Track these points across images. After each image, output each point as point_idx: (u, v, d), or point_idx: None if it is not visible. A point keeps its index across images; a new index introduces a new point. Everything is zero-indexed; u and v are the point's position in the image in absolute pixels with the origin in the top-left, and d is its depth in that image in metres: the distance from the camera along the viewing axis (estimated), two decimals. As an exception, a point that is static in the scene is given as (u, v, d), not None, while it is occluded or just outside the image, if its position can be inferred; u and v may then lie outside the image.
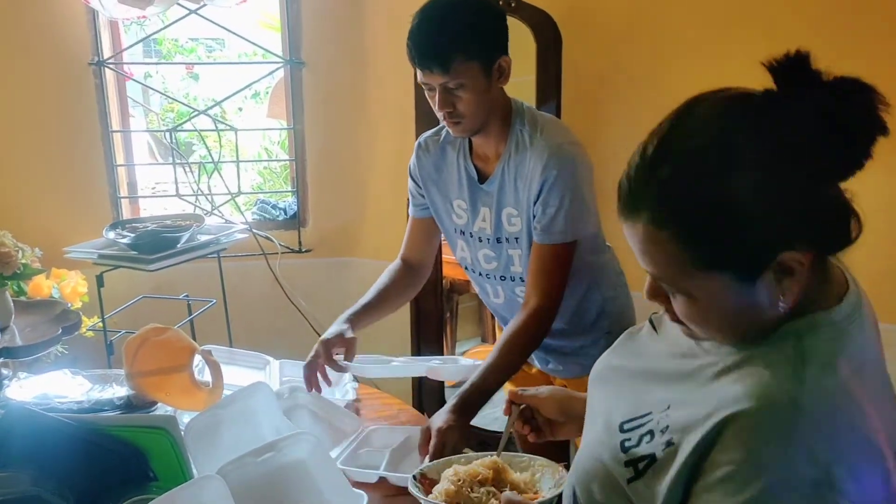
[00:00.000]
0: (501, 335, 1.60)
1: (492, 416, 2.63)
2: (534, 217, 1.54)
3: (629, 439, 0.85)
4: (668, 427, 0.81)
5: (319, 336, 1.96)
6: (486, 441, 2.37)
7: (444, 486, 1.13)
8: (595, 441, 0.92)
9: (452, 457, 1.25)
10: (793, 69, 0.74)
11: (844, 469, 0.70)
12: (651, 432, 0.83)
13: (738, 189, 0.72)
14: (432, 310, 2.72)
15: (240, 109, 5.05)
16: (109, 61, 2.77)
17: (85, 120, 2.75)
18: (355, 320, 1.70)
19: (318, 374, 1.61)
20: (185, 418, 1.42)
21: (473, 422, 1.51)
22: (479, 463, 1.17)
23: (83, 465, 1.27)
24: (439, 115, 1.55)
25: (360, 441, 1.55)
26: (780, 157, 0.72)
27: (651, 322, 0.99)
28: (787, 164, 0.72)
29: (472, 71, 1.48)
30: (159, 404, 1.53)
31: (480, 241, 1.68)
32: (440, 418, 1.41)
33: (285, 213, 3.02)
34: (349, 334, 1.64)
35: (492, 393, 1.50)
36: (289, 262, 2.87)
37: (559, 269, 1.56)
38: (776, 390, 0.74)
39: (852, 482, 0.70)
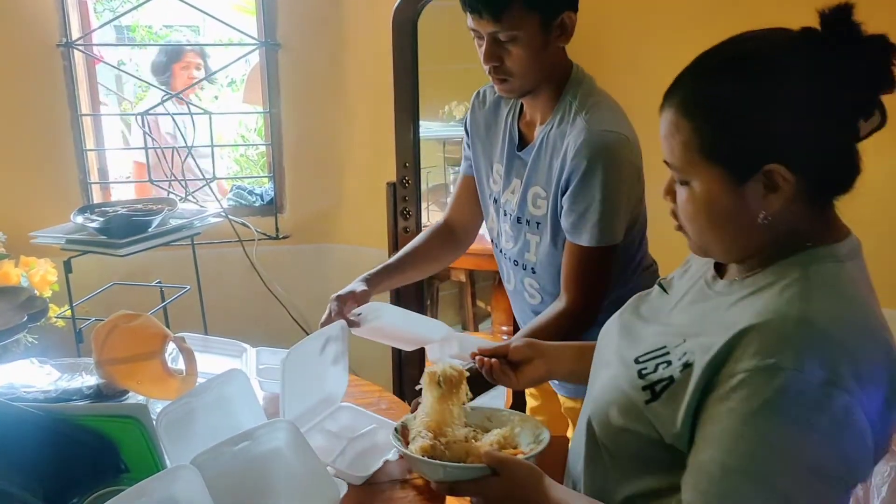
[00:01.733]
0: (528, 325, 1.48)
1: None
2: (562, 208, 1.41)
3: (645, 368, 0.91)
4: (685, 353, 0.87)
5: (297, 323, 1.94)
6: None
7: (418, 442, 1.13)
8: (610, 376, 0.97)
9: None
10: (837, 16, 0.82)
11: (851, 371, 0.76)
12: (668, 361, 0.89)
13: (754, 96, 0.82)
14: (412, 297, 2.69)
15: (216, 98, 4.99)
16: (78, 43, 2.69)
17: (53, 103, 2.68)
18: (373, 280, 1.57)
19: None
20: (157, 407, 1.38)
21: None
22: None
23: (51, 457, 1.24)
24: (485, 67, 1.38)
25: (329, 417, 1.52)
26: (799, 82, 0.81)
27: (660, 285, 1.06)
28: (803, 90, 0.81)
29: (528, 23, 1.30)
30: (130, 393, 1.49)
31: (506, 214, 1.55)
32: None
33: (262, 199, 2.97)
34: (361, 288, 1.53)
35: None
36: (266, 248, 2.82)
37: (591, 272, 1.40)
38: (786, 307, 0.81)
39: (857, 383, 0.76)
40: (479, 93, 1.63)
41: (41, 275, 2.33)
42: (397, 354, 2.74)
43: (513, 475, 1.00)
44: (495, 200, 1.60)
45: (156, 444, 1.25)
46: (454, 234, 1.72)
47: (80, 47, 2.71)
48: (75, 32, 2.69)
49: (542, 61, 1.37)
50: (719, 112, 0.84)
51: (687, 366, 0.85)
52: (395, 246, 2.69)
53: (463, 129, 1.67)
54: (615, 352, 1.00)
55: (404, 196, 2.59)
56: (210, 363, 1.68)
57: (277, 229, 2.90)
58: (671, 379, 0.86)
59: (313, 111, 2.86)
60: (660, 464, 0.88)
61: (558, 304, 1.45)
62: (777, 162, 0.82)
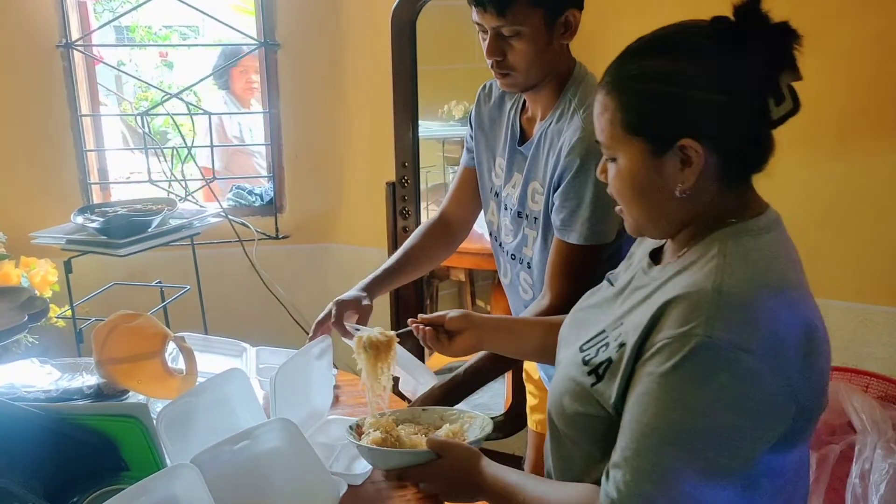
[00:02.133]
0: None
1: (474, 402, 2.62)
2: (553, 205, 1.42)
3: (588, 354, 0.99)
4: (620, 335, 0.95)
5: (297, 323, 1.93)
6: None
7: (370, 436, 1.20)
8: (561, 368, 1.05)
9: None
10: (746, 6, 0.90)
11: (759, 335, 0.83)
12: (607, 343, 0.97)
13: (669, 73, 0.90)
14: (412, 296, 2.70)
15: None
16: (78, 43, 2.69)
17: (53, 104, 2.68)
18: (374, 286, 1.59)
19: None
20: (157, 406, 1.38)
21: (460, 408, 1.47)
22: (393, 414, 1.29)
23: (52, 456, 1.24)
24: (488, 62, 1.39)
25: (318, 430, 1.53)
26: (708, 62, 0.90)
27: (608, 278, 1.14)
28: (712, 68, 0.89)
29: (533, 19, 1.31)
30: (131, 392, 1.50)
31: (507, 208, 1.56)
32: (427, 400, 1.39)
33: (261, 199, 2.97)
34: (366, 301, 1.54)
35: (487, 379, 1.45)
36: (265, 248, 2.82)
37: (577, 270, 1.40)
38: (703, 280, 0.88)
39: (766, 346, 0.83)
40: (485, 86, 1.63)
41: (41, 275, 2.34)
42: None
43: (453, 457, 1.09)
44: (496, 194, 1.60)
45: (156, 443, 1.25)
46: (450, 229, 1.73)
47: (79, 48, 2.71)
48: (75, 33, 2.69)
49: (544, 58, 1.37)
50: (638, 88, 0.92)
51: (622, 345, 0.93)
52: (394, 245, 2.70)
53: (468, 121, 1.67)
54: (566, 346, 1.08)
55: (403, 196, 2.60)
56: (210, 363, 1.69)
57: (277, 229, 2.90)
58: (609, 360, 0.94)
59: (312, 111, 2.86)
60: (613, 437, 0.92)
61: (542, 301, 1.45)
62: (690, 137, 0.89)
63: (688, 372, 0.83)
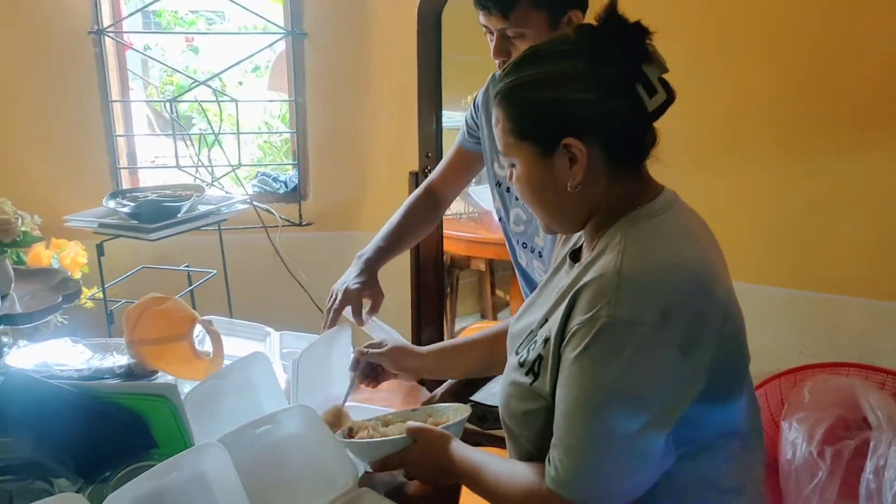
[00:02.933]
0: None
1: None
2: None
3: (522, 355, 1.07)
4: (544, 332, 1.02)
5: (319, 308, 1.95)
6: (483, 416, 2.38)
7: (359, 434, 1.29)
8: (505, 374, 1.13)
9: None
10: (605, 11, 0.99)
11: (655, 308, 0.90)
12: (535, 342, 1.04)
13: (543, 78, 0.99)
14: (433, 285, 2.73)
15: (240, 83, 5.02)
16: (109, 30, 2.74)
17: (84, 89, 2.73)
18: (373, 269, 1.62)
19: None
20: (185, 387, 1.42)
21: (476, 398, 1.52)
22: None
23: (84, 432, 1.27)
24: (496, 62, 1.44)
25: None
26: (575, 64, 0.97)
27: (537, 284, 1.21)
28: (579, 69, 0.97)
29: (536, 20, 1.35)
30: (160, 373, 1.53)
31: (517, 199, 1.60)
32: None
33: (286, 186, 3.01)
34: (377, 289, 1.59)
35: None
36: (290, 235, 2.86)
37: None
38: (607, 265, 0.95)
39: (661, 317, 0.89)
40: (494, 75, 1.65)
41: (72, 257, 2.39)
42: (416, 330, 2.77)
43: (427, 440, 1.18)
44: (499, 184, 1.64)
45: (185, 422, 1.29)
46: (434, 202, 1.76)
47: (111, 34, 2.76)
48: (106, 20, 2.74)
49: None
50: (518, 97, 1.01)
51: (546, 340, 1.01)
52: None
53: (473, 104, 1.69)
54: (509, 355, 1.16)
55: (426, 185, 2.62)
56: (235, 346, 1.72)
57: (301, 216, 2.94)
58: (539, 356, 1.02)
59: (338, 100, 2.89)
60: None
61: None
62: (572, 136, 0.97)
63: (597, 351, 0.92)
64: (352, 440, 1.24)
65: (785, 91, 2.16)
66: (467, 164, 1.72)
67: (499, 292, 3.57)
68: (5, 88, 2.68)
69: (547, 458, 0.98)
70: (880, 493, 1.92)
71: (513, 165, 1.06)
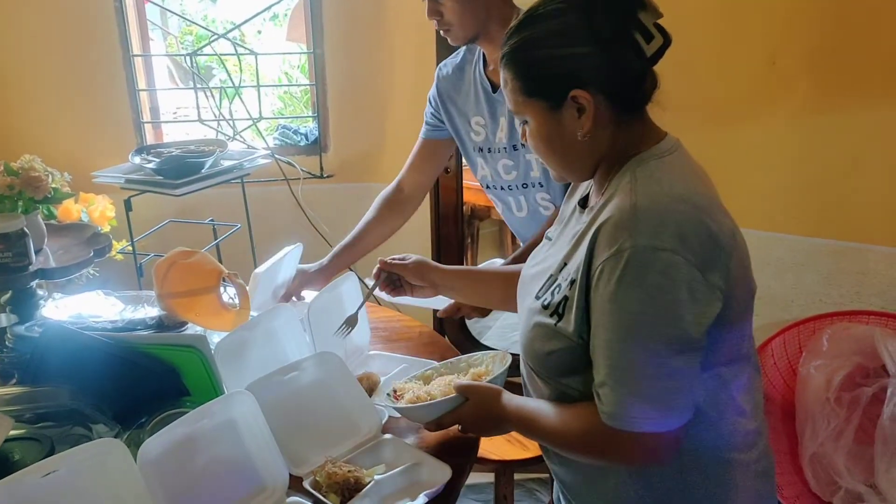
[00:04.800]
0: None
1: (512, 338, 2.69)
2: None
3: (545, 299, 1.11)
4: (568, 274, 1.07)
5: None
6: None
7: (407, 396, 1.32)
8: (524, 320, 1.17)
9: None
10: None
11: (671, 234, 0.95)
12: (559, 285, 1.09)
13: (544, 36, 1.04)
14: (453, 235, 2.75)
15: (259, 32, 4.99)
16: (128, -17, 2.74)
17: (105, 44, 2.74)
18: (333, 264, 1.85)
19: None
20: (214, 338, 1.47)
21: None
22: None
23: (119, 381, 1.33)
24: (433, 23, 1.59)
25: (360, 362, 1.65)
26: (572, 17, 1.02)
27: (546, 237, 1.27)
28: (574, 22, 1.01)
29: None
30: (189, 324, 1.59)
31: (499, 151, 1.71)
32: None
33: (306, 139, 3.02)
34: (314, 271, 1.82)
35: None
36: (310, 187, 2.89)
37: None
38: (622, 203, 1.00)
39: (679, 241, 0.95)
40: (439, 68, 1.81)
41: (100, 211, 2.44)
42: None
43: (479, 397, 1.23)
44: (480, 149, 1.75)
45: (215, 371, 1.34)
46: (402, 199, 1.90)
47: (129, -12, 2.75)
48: (125, -27, 2.73)
49: (475, 7, 1.57)
50: (523, 57, 1.06)
51: (573, 282, 1.05)
52: (435, 191, 2.75)
53: (428, 101, 1.84)
54: (523, 300, 1.21)
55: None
56: (260, 298, 1.77)
57: (322, 168, 2.96)
58: (565, 297, 1.06)
59: (357, 52, 2.87)
60: (586, 362, 1.05)
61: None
62: (578, 88, 1.02)
63: (626, 281, 0.96)
64: (409, 406, 1.28)
65: (816, 44, 2.12)
66: (434, 151, 1.86)
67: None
68: (28, 48, 2.70)
69: (596, 397, 1.03)
70: None
71: (525, 122, 1.11)
